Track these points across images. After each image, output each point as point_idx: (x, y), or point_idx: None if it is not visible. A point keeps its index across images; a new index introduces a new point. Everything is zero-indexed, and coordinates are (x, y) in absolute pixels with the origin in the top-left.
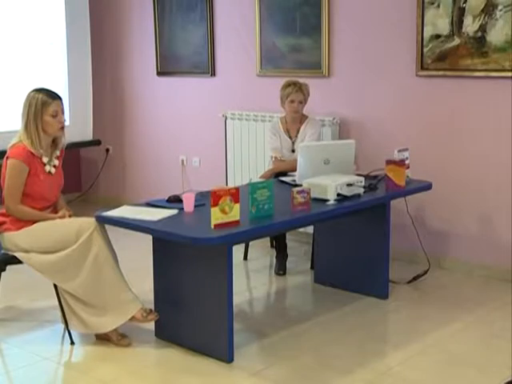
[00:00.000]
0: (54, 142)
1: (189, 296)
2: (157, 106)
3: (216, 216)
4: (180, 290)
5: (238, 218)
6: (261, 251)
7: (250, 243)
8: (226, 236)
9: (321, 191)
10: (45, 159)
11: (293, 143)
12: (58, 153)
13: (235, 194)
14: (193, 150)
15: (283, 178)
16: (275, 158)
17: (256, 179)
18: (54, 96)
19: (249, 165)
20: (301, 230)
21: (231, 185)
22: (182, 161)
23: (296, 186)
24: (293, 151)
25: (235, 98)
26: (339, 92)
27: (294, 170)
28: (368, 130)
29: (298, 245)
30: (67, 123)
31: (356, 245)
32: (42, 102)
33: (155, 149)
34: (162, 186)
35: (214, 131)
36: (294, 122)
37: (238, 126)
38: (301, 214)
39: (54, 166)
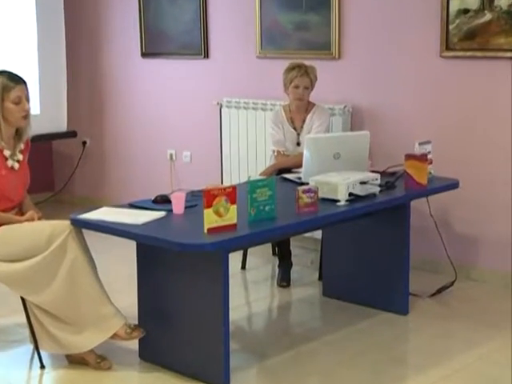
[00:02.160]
0: (18, 133)
1: (178, 311)
2: (141, 92)
3: (210, 219)
4: (168, 304)
5: (234, 221)
6: (261, 259)
7: (249, 250)
8: (221, 242)
9: (330, 190)
10: (6, 152)
11: (298, 135)
12: (22, 146)
13: (232, 194)
14: (183, 144)
15: (287, 176)
16: (277, 152)
17: (256, 177)
18: (16, 80)
19: (247, 160)
20: (307, 235)
21: (227, 183)
22: (171, 155)
23: (302, 184)
24: (298, 144)
25: (232, 84)
26: (351, 76)
27: (300, 165)
28: (384, 119)
29: (304, 252)
30: (37, 112)
31: (371, 252)
32: (3, 87)
33: (140, 142)
34: (147, 185)
35: (207, 121)
36: (300, 111)
37: (234, 115)
38: (307, 217)
39: (18, 161)
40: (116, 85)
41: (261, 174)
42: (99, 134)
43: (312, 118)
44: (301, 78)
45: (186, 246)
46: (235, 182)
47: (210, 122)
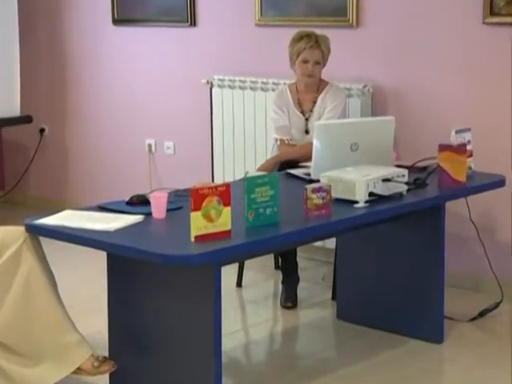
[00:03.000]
0: None
1: (158, 339)
2: (112, 68)
3: (198, 224)
4: (146, 331)
5: (228, 227)
6: (261, 274)
7: (246, 263)
8: (211, 253)
9: (346, 189)
10: None
11: (306, 120)
12: None
13: (225, 194)
14: (165, 132)
15: (292, 171)
16: (281, 141)
17: (254, 172)
18: None
19: (244, 152)
20: (318, 244)
21: (219, 180)
22: (150, 146)
23: (311, 181)
24: (306, 132)
25: (224, 58)
26: (372, 48)
27: (309, 158)
28: (413, 101)
29: (314, 265)
30: None
31: (396, 265)
32: None
33: (111, 129)
34: (120, 183)
35: (194, 104)
36: (309, 91)
37: (228, 96)
38: (318, 222)
39: None
40: (82, 59)
41: (260, 169)
42: (60, 120)
43: (324, 99)
44: (310, 50)
45: (168, 258)
46: (229, 178)
47: (197, 105)
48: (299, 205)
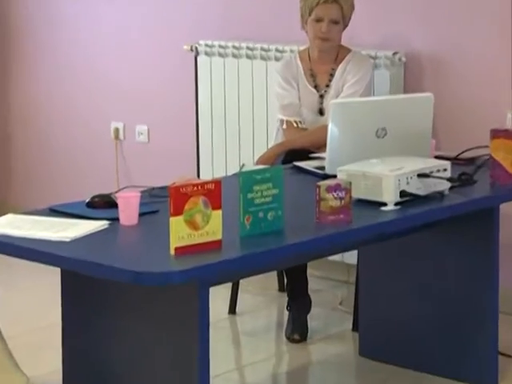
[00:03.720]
0: None
1: (128, 379)
2: (67, 31)
3: (179, 233)
4: (112, 369)
5: (218, 236)
6: (261, 298)
7: (242, 283)
8: (196, 270)
9: (371, 187)
10: None
11: (321, 98)
12: None
13: (214, 194)
14: (136, 113)
15: (302, 164)
16: (288, 124)
17: (252, 165)
18: None
19: (239, 138)
20: (335, 258)
21: (207, 175)
22: (117, 132)
23: (325, 177)
24: (321, 112)
25: (213, 18)
26: (405, 4)
27: (323, 147)
28: (457, 73)
29: (330, 286)
30: None
31: (436, 287)
32: None
33: (64, 111)
34: (78, 179)
35: (174, 77)
36: (325, 60)
37: (218, 67)
38: (334, 230)
39: None
40: (26, 21)
41: (260, 162)
42: (0, 100)
43: (344, 71)
44: (325, 5)
45: (139, 276)
46: (220, 174)
47: (178, 79)
48: (310, 207)
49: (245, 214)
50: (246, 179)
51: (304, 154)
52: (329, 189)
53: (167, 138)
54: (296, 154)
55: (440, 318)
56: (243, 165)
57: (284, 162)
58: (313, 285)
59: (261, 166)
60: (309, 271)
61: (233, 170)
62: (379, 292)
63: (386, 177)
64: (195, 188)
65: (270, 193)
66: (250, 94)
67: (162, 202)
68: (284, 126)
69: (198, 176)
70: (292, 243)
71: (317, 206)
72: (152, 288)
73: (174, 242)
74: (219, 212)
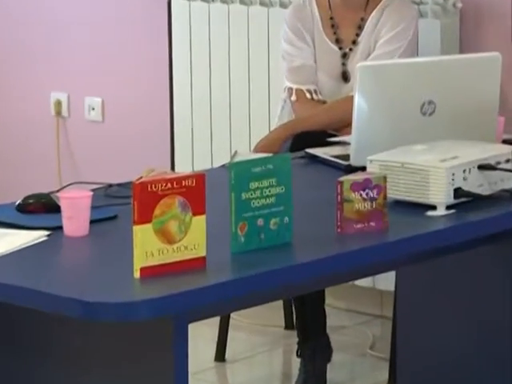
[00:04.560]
0: None
1: None
2: None
3: (146, 247)
4: None
5: (201, 252)
6: (260, 339)
7: (234, 317)
8: (170, 299)
9: (414, 184)
10: None
11: (344, 58)
12: None
13: (195, 192)
14: (86, 81)
15: (317, 151)
16: (299, 94)
17: (248, 154)
18: None
19: (229, 116)
20: (363, 283)
21: (185, 167)
22: (58, 105)
23: (350, 170)
24: (344, 78)
25: None
26: None
27: (346, 127)
28: None
29: (357, 321)
30: None
31: (503, 321)
32: None
33: None
34: (6, 173)
35: (139, 29)
36: (351, 5)
37: (200, 15)
38: (362, 244)
39: None
40: None
41: (260, 148)
42: None
43: (378, 21)
44: None
45: (91, 308)
46: (202, 165)
47: (145, 31)
48: (329, 213)
49: (238, 222)
50: (239, 173)
51: (320, 137)
52: (355, 186)
53: (129, 114)
54: (309, 138)
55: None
56: (235, 153)
57: (293, 149)
58: (333, 320)
59: (260, 155)
60: (327, 301)
61: (221, 160)
62: (426, 330)
63: (434, 169)
64: (169, 185)
65: (272, 192)
66: (244, 54)
67: (122, 205)
68: (293, 98)
69: (173, 168)
70: (304, 262)
71: (338, 210)
72: (109, 326)
73: (140, 261)
74: (202, 218)
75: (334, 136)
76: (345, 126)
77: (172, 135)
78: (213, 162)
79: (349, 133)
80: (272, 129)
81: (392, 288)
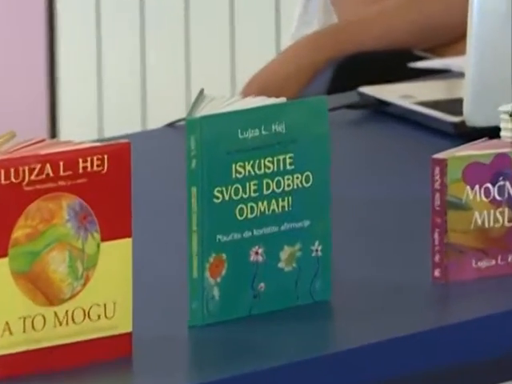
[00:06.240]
0: None
1: None
2: None
3: None
4: None
5: (124, 325)
6: None
7: None
8: None
9: None
10: None
11: None
12: None
13: (110, 186)
14: None
15: (384, 92)
16: None
17: (226, 100)
18: None
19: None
20: None
21: (84, 135)
22: None
23: (461, 132)
24: None
25: None
26: None
27: (445, 45)
28: None
29: None
30: None
31: None
32: None
33: None
34: None
35: None
36: None
37: None
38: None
39: None
40: None
41: (256, 86)
42: None
43: None
44: None
45: None
46: (124, 128)
47: None
48: (412, 231)
49: (205, 256)
50: (210, 142)
51: (391, 62)
52: (476, 174)
53: None
54: (368, 65)
55: None
56: (201, 93)
57: (332, 89)
58: None
59: (260, 99)
60: None
61: (174, 111)
62: None
63: None
64: (48, 170)
65: (286, 186)
66: None
67: None
68: None
69: (54, 136)
70: (354, 363)
71: (436, 227)
72: None
73: None
74: (125, 244)
75: (424, 59)
76: (441, 42)
77: (52, 79)
78: (145, 123)
79: (452, 54)
80: (289, 46)
81: None
